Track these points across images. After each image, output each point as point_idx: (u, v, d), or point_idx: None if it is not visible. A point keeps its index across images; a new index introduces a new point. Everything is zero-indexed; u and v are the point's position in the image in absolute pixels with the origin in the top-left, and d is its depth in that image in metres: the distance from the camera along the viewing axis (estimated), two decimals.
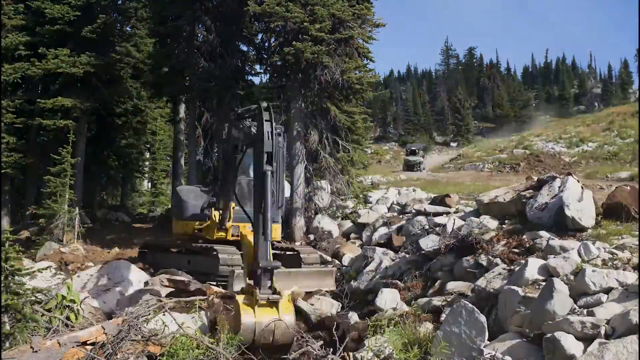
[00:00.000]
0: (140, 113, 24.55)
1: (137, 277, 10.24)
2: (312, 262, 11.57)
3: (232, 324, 6.83)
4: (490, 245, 8.89)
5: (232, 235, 11.01)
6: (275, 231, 11.21)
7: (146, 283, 9.86)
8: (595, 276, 6.22)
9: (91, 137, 20.18)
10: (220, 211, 10.84)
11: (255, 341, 6.59)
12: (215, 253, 10.59)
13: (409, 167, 39.15)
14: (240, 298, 6.90)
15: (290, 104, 16.84)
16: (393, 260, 10.98)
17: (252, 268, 7.26)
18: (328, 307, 9.19)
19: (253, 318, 6.65)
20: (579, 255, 7.07)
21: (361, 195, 18.69)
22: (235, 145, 9.65)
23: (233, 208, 10.77)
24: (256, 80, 61.65)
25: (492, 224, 9.90)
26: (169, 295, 8.64)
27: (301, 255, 11.61)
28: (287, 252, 11.94)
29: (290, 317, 6.92)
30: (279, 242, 12.28)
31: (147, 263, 12.65)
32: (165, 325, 6.80)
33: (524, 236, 8.66)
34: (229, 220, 10.92)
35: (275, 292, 6.95)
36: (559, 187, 9.14)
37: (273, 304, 6.84)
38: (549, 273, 6.99)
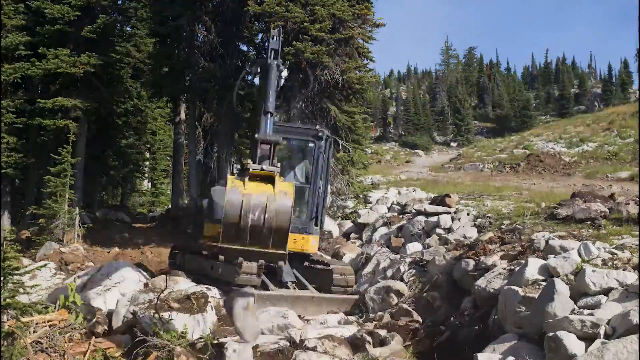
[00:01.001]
0: (140, 113, 24.57)
1: (137, 277, 10.22)
2: (344, 284, 9.99)
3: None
4: (489, 246, 8.90)
5: None
6: (307, 243, 10.34)
7: (146, 284, 9.84)
8: (595, 276, 6.22)
9: (91, 137, 20.16)
10: None
11: (242, 221, 5.57)
12: (236, 260, 9.86)
13: None
14: (231, 177, 6.01)
15: (290, 104, 16.85)
16: (392, 260, 10.97)
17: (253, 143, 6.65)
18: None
19: (241, 192, 5.64)
20: (579, 255, 7.07)
21: (361, 195, 18.69)
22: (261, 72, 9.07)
23: None
24: (256, 80, 61.65)
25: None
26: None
27: (333, 276, 9.93)
28: (317, 266, 10.55)
29: (287, 199, 5.79)
30: (309, 254, 10.85)
31: (176, 265, 12.10)
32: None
33: (523, 236, 8.66)
34: None
35: (272, 167, 6.05)
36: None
37: (267, 178, 5.90)
38: (549, 273, 6.99)
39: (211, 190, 12.13)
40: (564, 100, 76.47)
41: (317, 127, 10.98)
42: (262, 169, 5.87)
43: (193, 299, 7.90)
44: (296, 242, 10.07)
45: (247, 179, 5.78)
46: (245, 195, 5.59)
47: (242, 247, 5.69)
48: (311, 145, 10.73)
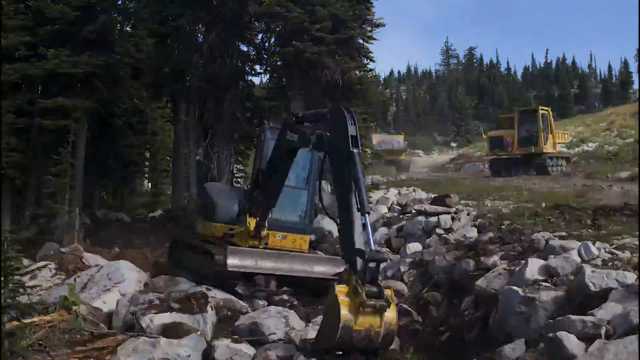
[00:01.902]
0: (140, 113, 24.58)
1: (137, 277, 10.23)
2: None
3: (326, 318, 5.82)
4: (489, 246, 8.90)
5: (266, 244, 10.15)
6: (305, 243, 10.79)
7: (146, 284, 9.85)
8: (595, 276, 6.22)
9: (91, 137, 20.14)
10: (257, 219, 9.91)
11: (351, 344, 5.69)
12: (213, 253, 9.66)
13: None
14: (339, 290, 5.76)
15: (290, 104, 16.85)
16: (392, 260, 10.98)
17: (348, 256, 6.14)
18: None
19: (353, 322, 5.56)
20: (579, 255, 7.07)
21: None
22: (290, 149, 8.84)
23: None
24: (256, 80, 61.64)
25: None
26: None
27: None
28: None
29: (393, 319, 5.88)
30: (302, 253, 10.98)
31: (174, 258, 12.02)
32: None
33: (523, 236, 8.67)
34: (263, 229, 10.02)
35: (380, 292, 5.80)
36: None
37: (379, 311, 5.76)
38: (549, 273, 7.00)
39: (206, 187, 12.06)
40: (564, 100, 76.49)
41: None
42: (375, 306, 5.70)
43: (193, 300, 7.90)
44: (295, 242, 10.55)
45: (358, 306, 5.62)
46: (356, 330, 5.62)
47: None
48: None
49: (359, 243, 6.00)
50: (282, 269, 9.72)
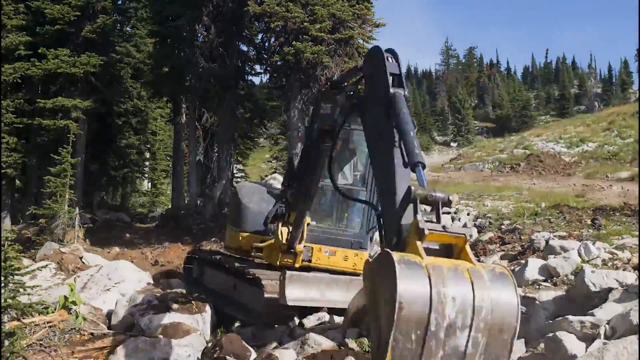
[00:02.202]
0: (140, 113, 24.59)
1: (137, 277, 10.23)
2: None
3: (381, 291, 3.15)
4: (489, 246, 8.90)
5: (303, 261, 7.76)
6: (362, 261, 7.85)
7: (146, 285, 9.84)
8: (595, 276, 6.22)
9: (91, 137, 20.16)
10: (290, 227, 7.45)
11: (431, 326, 2.92)
12: (257, 278, 7.41)
13: None
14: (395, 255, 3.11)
15: (290, 104, 16.84)
16: None
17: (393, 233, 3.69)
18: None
19: (424, 273, 2.96)
20: (579, 255, 7.08)
21: None
22: (325, 129, 6.39)
23: (307, 225, 7.56)
24: (256, 80, 61.53)
25: None
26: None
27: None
28: None
29: (508, 282, 3.11)
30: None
31: (191, 280, 9.88)
32: None
33: (523, 236, 8.67)
34: (300, 241, 7.52)
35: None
36: None
37: (448, 250, 3.33)
38: (549, 273, 7.00)
39: (237, 188, 9.44)
40: (564, 100, 76.43)
41: None
42: (444, 230, 3.25)
43: (192, 299, 7.90)
44: (347, 260, 8.00)
45: (420, 246, 3.15)
46: (433, 270, 2.97)
47: None
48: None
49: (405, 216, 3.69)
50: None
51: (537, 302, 6.38)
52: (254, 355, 6.34)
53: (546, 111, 78.43)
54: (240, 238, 8.29)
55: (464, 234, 3.26)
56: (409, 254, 3.07)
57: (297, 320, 7.42)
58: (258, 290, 7.18)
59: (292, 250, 7.54)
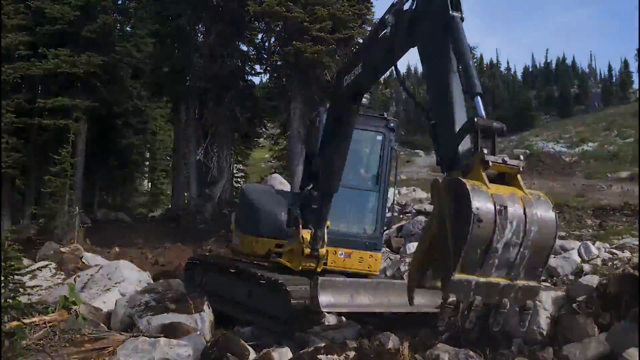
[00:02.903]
0: (140, 113, 24.60)
1: (136, 277, 10.22)
2: None
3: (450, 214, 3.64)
4: None
5: (325, 265, 7.53)
6: (376, 263, 8.05)
7: (144, 285, 9.81)
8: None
9: (91, 137, 20.16)
10: (311, 229, 7.14)
11: (495, 241, 3.52)
12: (280, 283, 7.04)
13: None
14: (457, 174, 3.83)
15: (290, 104, 16.84)
16: (392, 260, 10.97)
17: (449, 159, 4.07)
18: None
19: (489, 194, 3.53)
20: (579, 255, 7.07)
21: None
22: (357, 87, 6.10)
23: (327, 227, 7.33)
24: (256, 80, 61.50)
25: None
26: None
27: None
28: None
29: (548, 205, 3.74)
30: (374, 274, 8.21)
31: (195, 283, 9.35)
32: None
33: None
34: (322, 245, 7.22)
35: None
36: None
37: (503, 179, 3.77)
38: (549, 273, 6.99)
39: (245, 190, 9.04)
40: (564, 100, 76.43)
41: (385, 114, 8.56)
42: (504, 162, 3.75)
43: (190, 300, 7.89)
44: (362, 262, 7.89)
45: (483, 174, 3.64)
46: (496, 197, 3.53)
47: (487, 280, 3.76)
48: (379, 138, 8.27)
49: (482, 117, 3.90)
50: (382, 304, 7.05)
51: (537, 302, 6.37)
52: (253, 354, 6.34)
53: (546, 111, 78.41)
54: (255, 243, 7.99)
55: (517, 165, 3.82)
56: (477, 183, 3.62)
57: None
58: (281, 296, 6.89)
59: (316, 254, 7.21)
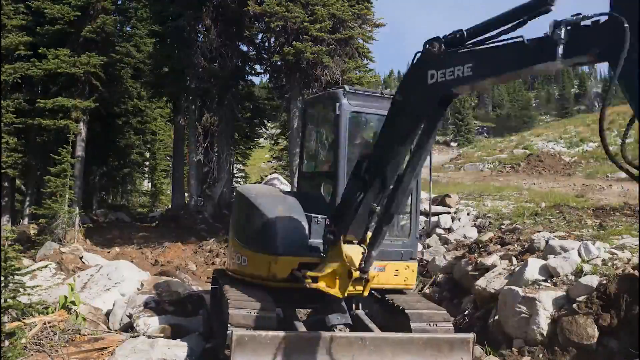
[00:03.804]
0: (140, 113, 24.62)
1: (136, 277, 10.21)
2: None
3: None
4: (489, 246, 8.90)
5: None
6: (413, 274, 6.69)
7: (142, 286, 9.81)
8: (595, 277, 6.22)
9: (91, 137, 20.18)
10: (364, 246, 5.39)
11: None
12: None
13: None
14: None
15: (290, 104, 16.84)
16: None
17: None
18: None
19: None
20: (579, 255, 7.06)
21: None
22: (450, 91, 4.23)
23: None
24: (256, 80, 61.59)
25: None
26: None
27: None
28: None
29: None
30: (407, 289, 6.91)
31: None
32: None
33: (522, 236, 8.66)
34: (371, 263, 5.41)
35: None
36: None
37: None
38: (549, 273, 6.99)
39: (249, 199, 6.66)
40: (564, 100, 76.52)
41: None
42: None
43: (188, 302, 7.90)
44: (398, 275, 6.58)
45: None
46: None
47: None
48: None
49: None
50: None
51: (537, 302, 6.38)
52: None
53: (546, 111, 78.48)
54: (275, 264, 6.15)
55: None
56: None
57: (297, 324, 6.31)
58: None
59: (365, 276, 5.42)
